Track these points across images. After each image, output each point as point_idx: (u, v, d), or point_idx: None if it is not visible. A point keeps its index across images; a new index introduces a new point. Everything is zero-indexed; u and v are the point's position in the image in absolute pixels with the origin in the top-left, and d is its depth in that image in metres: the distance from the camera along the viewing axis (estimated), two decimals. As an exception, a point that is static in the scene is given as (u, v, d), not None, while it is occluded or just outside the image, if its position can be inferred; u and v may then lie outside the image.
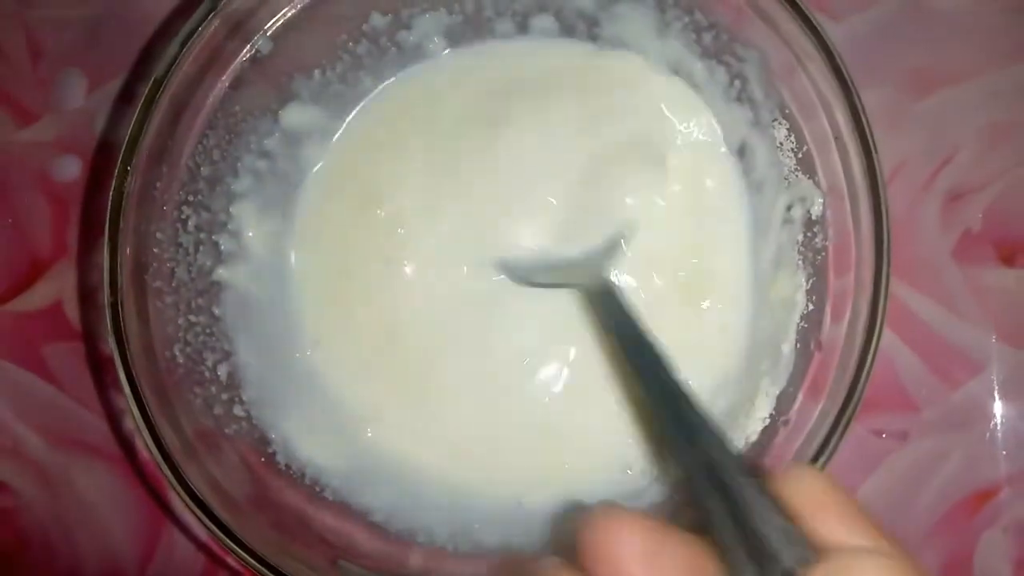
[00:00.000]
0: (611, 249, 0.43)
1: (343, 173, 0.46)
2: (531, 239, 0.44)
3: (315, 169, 0.46)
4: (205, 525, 0.37)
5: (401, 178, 0.45)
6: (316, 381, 0.44)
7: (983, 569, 0.46)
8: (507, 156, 0.45)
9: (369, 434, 0.44)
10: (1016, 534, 0.46)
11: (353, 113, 0.46)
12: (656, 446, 0.42)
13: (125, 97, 0.52)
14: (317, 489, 0.42)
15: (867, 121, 0.37)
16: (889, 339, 0.48)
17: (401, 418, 0.44)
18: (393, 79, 0.46)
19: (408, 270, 0.45)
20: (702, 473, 0.26)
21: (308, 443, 0.43)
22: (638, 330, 0.35)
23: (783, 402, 0.40)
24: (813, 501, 0.24)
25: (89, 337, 0.50)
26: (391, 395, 0.44)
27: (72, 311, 0.51)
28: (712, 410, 0.42)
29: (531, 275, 0.44)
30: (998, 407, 0.47)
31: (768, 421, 0.40)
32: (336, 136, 0.46)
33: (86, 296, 0.50)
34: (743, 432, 0.40)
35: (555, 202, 0.45)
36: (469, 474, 0.43)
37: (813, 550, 0.23)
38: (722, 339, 0.44)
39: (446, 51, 0.46)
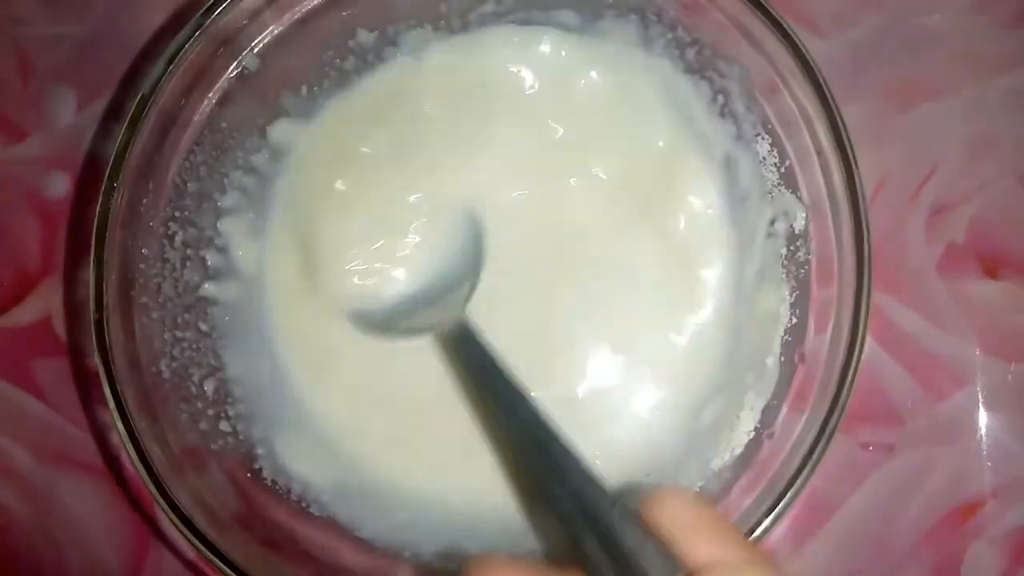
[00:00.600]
0: (466, 284, 0.42)
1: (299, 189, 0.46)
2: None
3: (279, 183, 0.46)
4: (191, 542, 0.37)
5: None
6: (298, 397, 0.44)
7: (971, 581, 0.46)
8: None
9: (351, 450, 0.44)
10: (1003, 546, 0.46)
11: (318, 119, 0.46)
12: (527, 485, 0.41)
13: (113, 114, 0.52)
14: (303, 505, 0.42)
15: (848, 136, 0.38)
16: (875, 352, 0.48)
17: (383, 434, 0.44)
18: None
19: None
20: (572, 507, 0.27)
21: (294, 458, 0.43)
22: (499, 370, 0.35)
23: (768, 415, 0.40)
24: (681, 522, 0.25)
25: (77, 353, 0.50)
26: (371, 412, 0.44)
27: (60, 327, 0.51)
28: (699, 423, 0.43)
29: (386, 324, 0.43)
30: (983, 419, 0.47)
31: (753, 434, 0.40)
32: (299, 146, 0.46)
33: (74, 312, 0.51)
34: (728, 445, 0.40)
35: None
36: (449, 491, 0.43)
37: (683, 570, 0.24)
38: (706, 353, 0.44)
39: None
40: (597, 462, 0.42)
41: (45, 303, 0.51)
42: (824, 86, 0.38)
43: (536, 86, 0.46)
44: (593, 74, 0.46)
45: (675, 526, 0.25)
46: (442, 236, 0.45)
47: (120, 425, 0.37)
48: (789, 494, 0.35)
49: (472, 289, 0.42)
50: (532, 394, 0.34)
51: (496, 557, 0.25)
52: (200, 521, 0.37)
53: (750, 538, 0.36)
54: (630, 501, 0.26)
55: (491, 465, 0.42)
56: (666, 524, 0.25)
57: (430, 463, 0.44)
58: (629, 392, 0.44)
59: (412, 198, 0.45)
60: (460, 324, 0.39)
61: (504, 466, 0.42)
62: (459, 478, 0.43)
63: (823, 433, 0.36)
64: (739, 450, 0.40)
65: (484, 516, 0.42)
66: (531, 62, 0.46)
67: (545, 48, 0.46)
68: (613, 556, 0.25)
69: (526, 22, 0.45)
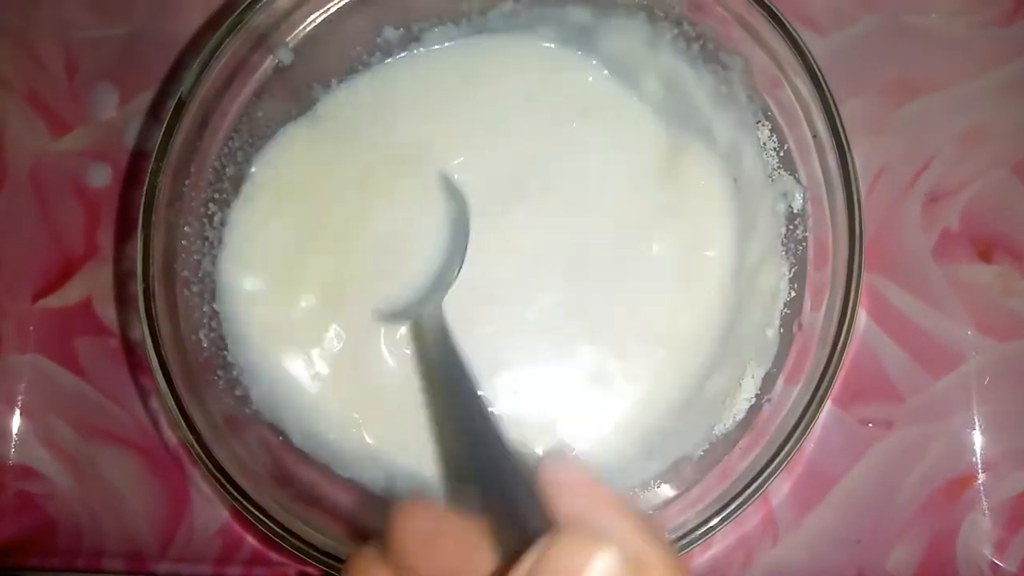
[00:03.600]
0: (443, 280, 0.45)
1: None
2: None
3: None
4: (230, 495, 0.40)
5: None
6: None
7: (965, 551, 0.48)
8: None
9: (353, 429, 0.46)
10: (996, 516, 0.48)
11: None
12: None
13: (155, 110, 0.55)
14: (331, 468, 0.45)
15: (841, 121, 0.40)
16: (874, 333, 0.50)
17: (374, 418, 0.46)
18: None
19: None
20: (484, 469, 0.32)
21: (313, 426, 0.46)
22: (461, 365, 0.39)
23: (767, 383, 0.42)
24: (560, 482, 0.29)
25: (117, 331, 0.53)
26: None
27: (101, 307, 0.54)
28: (704, 392, 0.45)
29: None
30: (976, 395, 0.49)
31: (753, 401, 0.42)
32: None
33: (116, 293, 0.54)
34: (731, 411, 0.43)
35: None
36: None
37: (549, 521, 0.28)
38: (710, 327, 0.46)
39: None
40: (609, 431, 0.45)
41: (87, 285, 0.54)
42: (820, 76, 0.41)
43: (543, 81, 0.49)
44: (604, 71, 0.49)
45: (553, 485, 0.29)
46: (430, 221, 0.47)
47: (164, 388, 0.40)
48: (783, 453, 0.38)
49: (451, 283, 0.44)
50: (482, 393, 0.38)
51: (418, 501, 0.30)
52: (238, 477, 0.40)
53: (751, 491, 0.38)
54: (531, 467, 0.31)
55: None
56: (547, 484, 0.29)
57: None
58: (637, 365, 0.46)
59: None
60: (436, 318, 0.42)
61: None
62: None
63: (815, 398, 0.38)
64: (740, 416, 0.42)
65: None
66: (543, 64, 0.49)
67: (553, 47, 0.49)
68: (505, 505, 0.30)
69: (541, 19, 0.48)
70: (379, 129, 0.49)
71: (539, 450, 0.45)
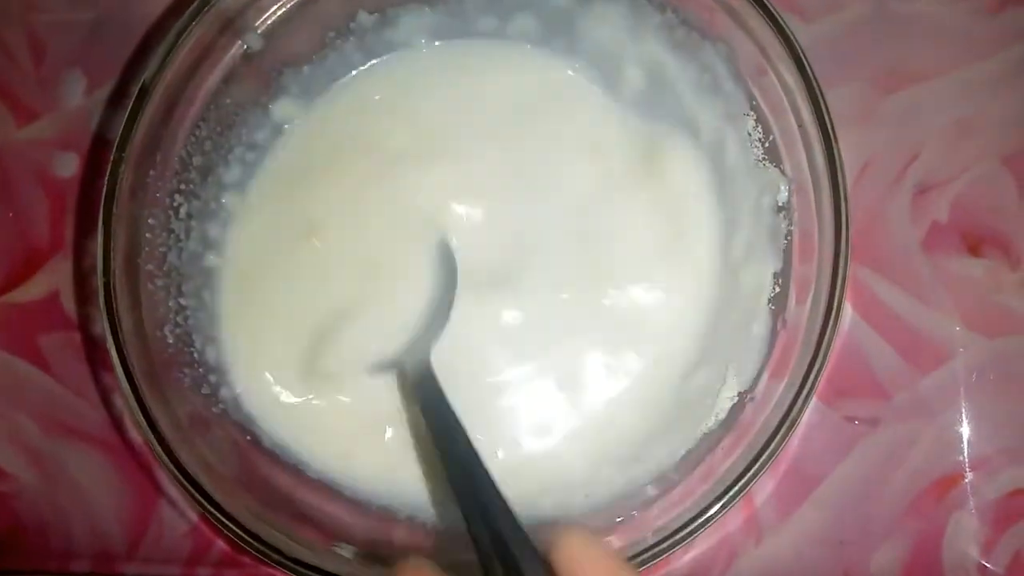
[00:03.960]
0: (434, 326, 0.44)
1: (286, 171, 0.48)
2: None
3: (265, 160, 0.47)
4: (196, 501, 0.38)
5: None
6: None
7: (952, 551, 0.47)
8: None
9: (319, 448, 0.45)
10: (983, 516, 0.47)
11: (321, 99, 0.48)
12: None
13: (121, 96, 0.53)
14: (300, 468, 0.44)
15: (828, 112, 0.39)
16: (861, 328, 0.49)
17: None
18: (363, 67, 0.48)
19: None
20: (490, 543, 0.31)
21: (287, 426, 0.44)
22: (452, 417, 0.38)
23: (751, 380, 0.41)
24: (579, 559, 0.29)
25: (83, 324, 0.52)
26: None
27: (68, 302, 0.52)
28: (687, 390, 0.44)
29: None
30: (964, 392, 0.48)
31: (736, 399, 0.41)
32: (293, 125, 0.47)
33: (81, 287, 0.52)
34: (713, 410, 0.42)
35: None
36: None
37: None
38: (695, 323, 0.45)
39: (423, 42, 0.47)
40: (592, 431, 0.44)
41: (53, 279, 0.52)
42: (806, 65, 0.40)
43: (526, 79, 0.48)
44: (581, 64, 0.48)
45: (571, 561, 0.28)
46: (416, 265, 0.46)
47: (125, 386, 0.39)
48: (767, 452, 0.37)
49: (440, 332, 0.43)
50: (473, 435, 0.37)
51: (416, 564, 0.30)
52: (204, 481, 0.39)
53: (733, 492, 0.37)
54: (539, 541, 0.30)
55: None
56: (564, 560, 0.28)
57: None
58: (620, 365, 0.45)
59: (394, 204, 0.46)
60: (423, 368, 0.41)
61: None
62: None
63: (799, 395, 0.37)
64: (723, 415, 0.41)
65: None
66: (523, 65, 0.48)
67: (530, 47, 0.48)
68: None
69: (521, 6, 0.46)
70: (361, 140, 0.47)
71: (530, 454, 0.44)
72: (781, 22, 0.40)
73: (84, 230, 0.53)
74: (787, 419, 0.37)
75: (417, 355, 0.42)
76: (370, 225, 0.46)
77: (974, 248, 0.50)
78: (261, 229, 0.46)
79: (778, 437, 0.37)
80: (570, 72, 0.48)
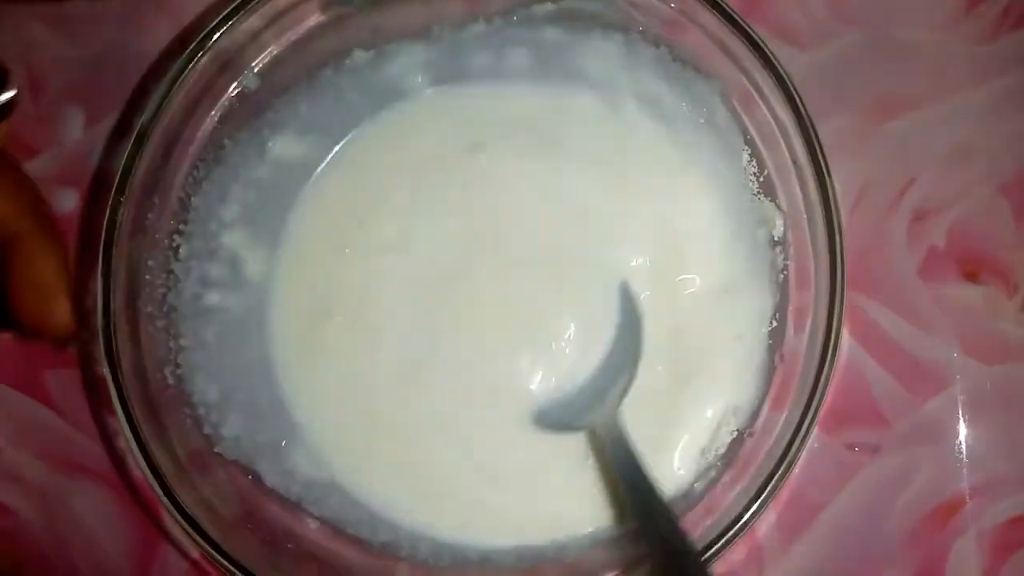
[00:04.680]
0: (620, 384, 0.42)
1: (324, 207, 0.47)
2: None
3: (298, 202, 0.47)
4: (196, 542, 0.39)
5: (380, 214, 0.47)
6: (294, 420, 0.46)
7: (955, 579, 0.47)
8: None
9: (337, 468, 0.45)
10: (985, 542, 0.47)
11: (336, 148, 0.48)
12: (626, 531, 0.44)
13: (120, 131, 0.54)
14: (303, 506, 0.44)
15: (820, 147, 0.39)
16: (859, 356, 0.49)
17: (370, 461, 0.45)
18: (376, 115, 0.48)
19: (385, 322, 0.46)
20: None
21: (290, 465, 0.44)
22: (642, 474, 0.39)
23: (750, 416, 0.41)
24: None
25: (86, 363, 0.52)
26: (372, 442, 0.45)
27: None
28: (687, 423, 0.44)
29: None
30: (964, 419, 0.48)
31: (735, 434, 0.41)
32: (320, 168, 0.48)
33: (82, 323, 0.52)
34: (712, 445, 0.42)
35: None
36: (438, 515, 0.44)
37: None
38: (698, 358, 0.45)
39: (428, 89, 0.48)
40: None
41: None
42: (798, 101, 0.40)
43: (527, 111, 0.48)
44: (583, 98, 0.48)
45: None
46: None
47: (126, 429, 0.39)
48: (769, 487, 0.37)
49: (629, 386, 0.42)
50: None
51: None
52: (205, 522, 0.39)
53: (736, 529, 0.37)
54: None
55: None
56: None
57: (427, 494, 0.45)
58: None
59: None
60: (616, 429, 0.41)
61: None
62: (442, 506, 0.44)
63: (799, 430, 0.37)
64: (722, 449, 0.41)
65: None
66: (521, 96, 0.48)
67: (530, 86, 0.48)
68: None
69: (512, 41, 0.46)
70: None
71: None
72: (772, 58, 0.40)
73: (84, 265, 0.53)
74: (788, 454, 0.37)
75: (605, 415, 0.41)
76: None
77: (972, 274, 0.50)
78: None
79: (779, 472, 0.37)
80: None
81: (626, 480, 0.39)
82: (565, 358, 0.44)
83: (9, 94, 0.39)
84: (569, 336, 0.44)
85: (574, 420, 0.42)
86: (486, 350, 0.45)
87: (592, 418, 0.41)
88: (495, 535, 0.43)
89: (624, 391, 0.42)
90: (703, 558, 0.36)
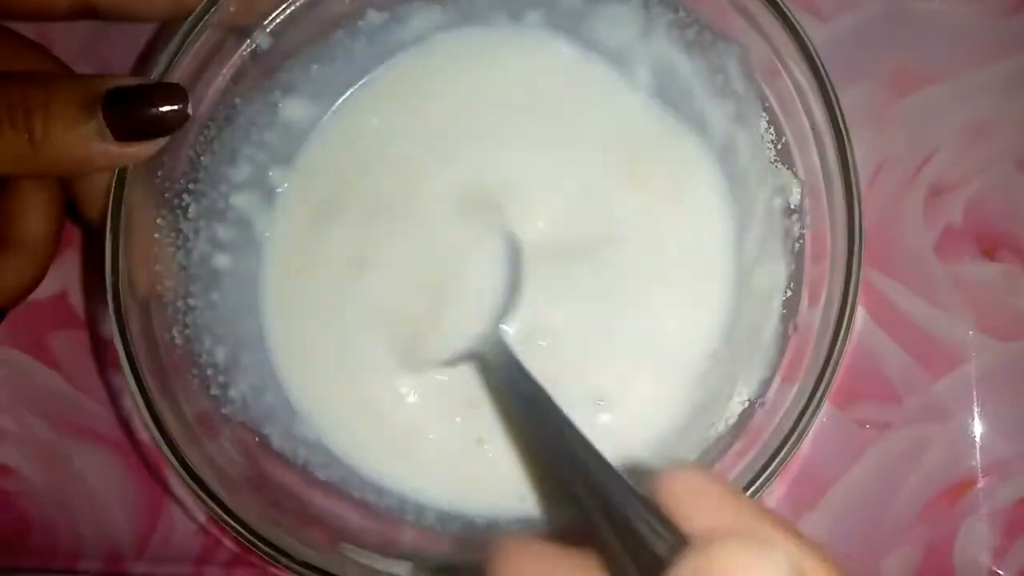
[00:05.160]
0: (504, 307, 0.43)
1: (318, 166, 0.47)
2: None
3: (295, 162, 0.47)
4: (204, 502, 0.38)
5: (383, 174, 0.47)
6: (286, 385, 0.46)
7: (963, 557, 0.47)
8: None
9: (332, 441, 0.45)
10: (995, 523, 0.47)
11: (339, 102, 0.47)
12: (548, 479, 0.43)
13: (131, 94, 0.53)
14: (309, 470, 0.44)
15: (842, 113, 0.39)
16: (873, 332, 0.49)
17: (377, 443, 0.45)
18: (381, 68, 0.47)
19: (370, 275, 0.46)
20: (587, 492, 0.29)
21: (295, 429, 0.44)
22: (546, 398, 0.37)
23: (762, 385, 0.41)
24: (688, 494, 0.25)
25: (92, 324, 0.52)
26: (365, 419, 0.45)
27: (76, 300, 0.52)
28: (698, 396, 0.44)
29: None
30: (977, 397, 0.48)
31: (747, 404, 0.41)
32: (319, 125, 0.47)
33: (90, 285, 0.52)
34: (723, 415, 0.41)
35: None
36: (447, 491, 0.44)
37: (684, 539, 0.24)
38: (707, 328, 0.45)
39: (436, 35, 0.47)
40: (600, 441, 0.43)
41: (61, 278, 0.52)
42: (820, 66, 0.39)
43: (537, 82, 0.47)
44: (594, 65, 0.47)
45: (684, 497, 0.25)
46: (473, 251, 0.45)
47: (134, 387, 0.39)
48: (778, 459, 0.36)
49: (509, 309, 0.42)
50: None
51: (520, 542, 0.27)
52: (212, 483, 0.39)
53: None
54: (643, 483, 0.28)
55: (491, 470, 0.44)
56: (674, 496, 0.25)
57: (426, 466, 0.45)
58: (633, 370, 0.45)
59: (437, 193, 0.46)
60: (500, 349, 0.40)
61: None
62: (455, 481, 0.44)
63: (812, 401, 0.36)
64: (733, 420, 0.41)
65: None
66: (535, 62, 0.47)
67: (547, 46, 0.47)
68: (621, 530, 0.26)
69: (530, 4, 0.46)
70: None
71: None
72: (794, 22, 0.40)
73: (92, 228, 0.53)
74: (798, 426, 0.36)
75: (493, 339, 0.41)
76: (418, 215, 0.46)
77: (989, 251, 0.49)
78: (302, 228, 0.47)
79: (788, 444, 0.36)
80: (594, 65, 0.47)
81: (520, 396, 0.37)
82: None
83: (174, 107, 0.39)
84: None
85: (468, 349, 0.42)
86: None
87: (474, 341, 0.41)
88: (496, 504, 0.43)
89: (504, 309, 0.42)
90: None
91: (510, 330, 0.43)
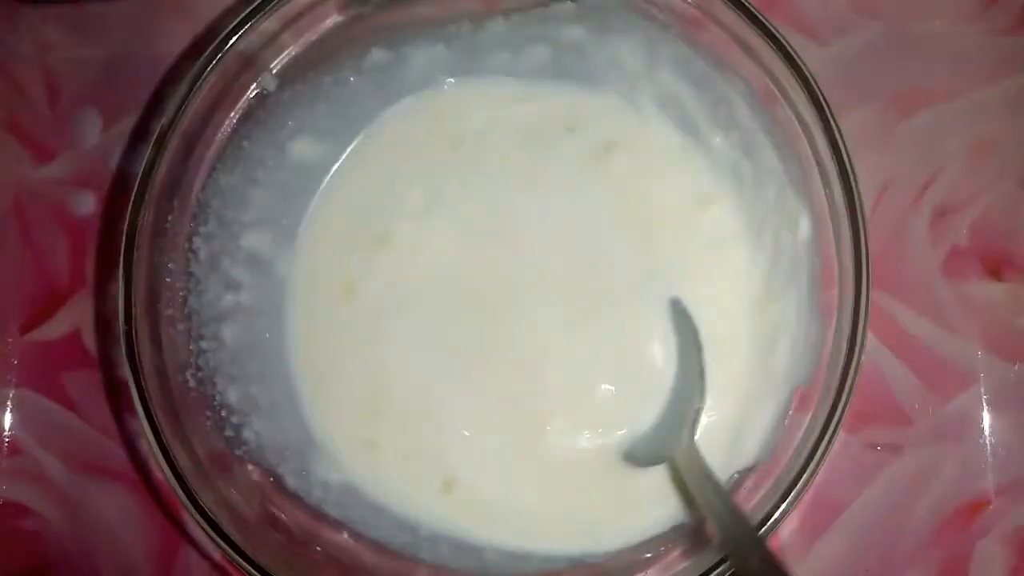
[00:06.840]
0: (691, 411, 0.42)
1: (340, 206, 0.47)
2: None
3: (314, 202, 0.47)
4: (217, 544, 0.39)
5: (399, 212, 0.47)
6: (308, 422, 0.46)
7: (979, 578, 0.47)
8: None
9: (360, 472, 0.45)
10: (1009, 543, 0.47)
11: (353, 144, 0.48)
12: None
13: (139, 134, 0.54)
14: (323, 508, 0.44)
15: (845, 146, 0.39)
16: (882, 354, 0.49)
17: (392, 461, 0.45)
18: (391, 109, 0.48)
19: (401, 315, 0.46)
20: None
21: (309, 468, 0.44)
22: (725, 501, 0.38)
23: (776, 418, 0.41)
24: None
25: (106, 364, 0.52)
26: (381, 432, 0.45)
27: (89, 340, 0.52)
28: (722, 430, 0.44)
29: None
30: (987, 418, 0.48)
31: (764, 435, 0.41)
32: (336, 166, 0.48)
33: (102, 325, 0.52)
34: (742, 446, 0.41)
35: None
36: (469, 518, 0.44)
37: None
38: (723, 363, 0.45)
39: (448, 80, 0.47)
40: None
41: (74, 318, 0.53)
42: (822, 98, 0.39)
43: (545, 120, 0.48)
44: (602, 99, 0.47)
45: None
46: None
47: (148, 432, 0.39)
48: (793, 492, 0.37)
49: (701, 409, 0.42)
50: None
51: None
52: (226, 523, 0.39)
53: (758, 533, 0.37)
54: None
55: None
56: None
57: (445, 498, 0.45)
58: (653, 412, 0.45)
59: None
60: (693, 456, 0.40)
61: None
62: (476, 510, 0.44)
63: (825, 433, 0.37)
64: (754, 450, 0.41)
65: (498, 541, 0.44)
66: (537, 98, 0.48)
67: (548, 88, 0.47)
68: None
69: (534, 39, 0.46)
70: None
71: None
72: (793, 55, 0.40)
73: (104, 268, 0.53)
74: (813, 457, 0.37)
75: (684, 442, 0.41)
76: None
77: (994, 272, 0.49)
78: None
79: (804, 476, 0.36)
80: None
81: (708, 507, 0.38)
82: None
83: None
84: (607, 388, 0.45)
85: (656, 455, 0.43)
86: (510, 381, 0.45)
87: (669, 451, 0.42)
88: (520, 539, 0.43)
89: (697, 417, 0.42)
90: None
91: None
